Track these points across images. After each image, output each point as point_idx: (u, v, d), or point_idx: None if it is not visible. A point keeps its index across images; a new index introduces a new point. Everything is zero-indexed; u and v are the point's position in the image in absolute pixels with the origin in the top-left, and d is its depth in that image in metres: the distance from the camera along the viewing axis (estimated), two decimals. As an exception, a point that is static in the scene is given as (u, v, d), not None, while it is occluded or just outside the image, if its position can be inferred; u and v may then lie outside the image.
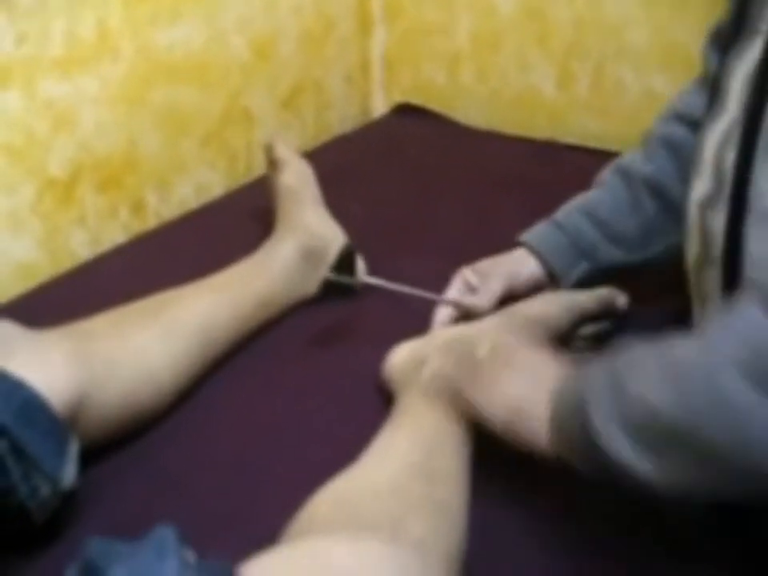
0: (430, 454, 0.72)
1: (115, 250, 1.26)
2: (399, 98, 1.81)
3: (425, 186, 1.46)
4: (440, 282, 1.02)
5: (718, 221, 0.68)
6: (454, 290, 0.98)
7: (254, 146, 1.50)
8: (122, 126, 1.27)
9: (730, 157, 0.68)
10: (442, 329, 0.96)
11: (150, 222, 1.34)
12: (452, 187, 1.45)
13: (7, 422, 0.66)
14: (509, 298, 0.98)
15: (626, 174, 0.99)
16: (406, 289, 1.04)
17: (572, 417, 0.64)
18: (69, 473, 0.72)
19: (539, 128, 1.65)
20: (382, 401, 0.90)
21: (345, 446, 0.76)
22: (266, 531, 0.66)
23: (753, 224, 0.65)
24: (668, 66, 1.50)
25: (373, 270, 1.11)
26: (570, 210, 1.01)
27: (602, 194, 1.01)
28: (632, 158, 1.01)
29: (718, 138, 0.72)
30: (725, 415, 0.54)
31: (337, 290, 1.08)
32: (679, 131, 0.96)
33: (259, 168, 1.44)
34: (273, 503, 0.77)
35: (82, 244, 1.24)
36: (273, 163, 1.15)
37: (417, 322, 0.98)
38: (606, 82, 1.58)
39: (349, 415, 0.90)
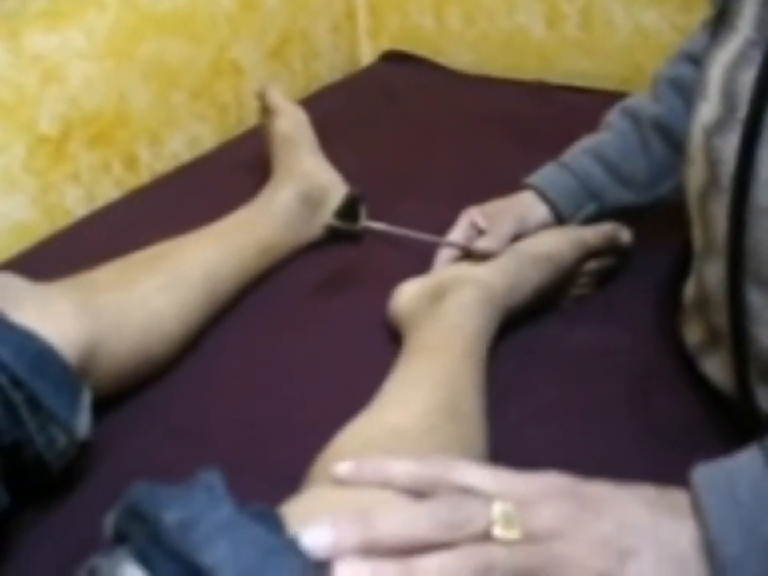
0: (452, 392, 0.71)
1: (110, 206, 1.25)
2: (387, 44, 1.79)
3: (416, 131, 1.45)
4: (438, 225, 1.01)
5: (729, 145, 0.67)
6: (460, 231, 0.97)
7: (243, 97, 1.49)
8: (110, 80, 1.25)
9: (744, 78, 0.67)
10: (445, 267, 0.96)
11: (144, 176, 1.33)
12: (444, 131, 1.44)
13: (21, 374, 0.66)
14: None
15: (633, 116, 0.98)
16: (411, 233, 1.04)
17: None
18: (83, 423, 0.71)
19: (529, 69, 1.64)
20: (389, 341, 0.89)
21: (354, 388, 0.76)
22: (285, 474, 0.66)
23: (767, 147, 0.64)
24: (658, 0, 1.49)
25: (369, 215, 1.10)
26: (578, 153, 1.00)
27: (609, 135, 1.00)
28: (639, 99, 1.00)
29: (728, 59, 0.70)
30: None
31: (341, 235, 1.08)
32: (688, 72, 0.95)
33: (250, 119, 1.43)
34: (288, 448, 0.77)
35: (77, 201, 1.23)
36: (266, 111, 1.14)
37: (421, 264, 0.98)
38: (595, 20, 1.56)
39: (358, 357, 0.90)
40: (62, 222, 1.20)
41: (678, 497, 0.50)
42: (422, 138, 1.43)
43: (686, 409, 0.81)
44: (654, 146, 0.96)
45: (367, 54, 1.82)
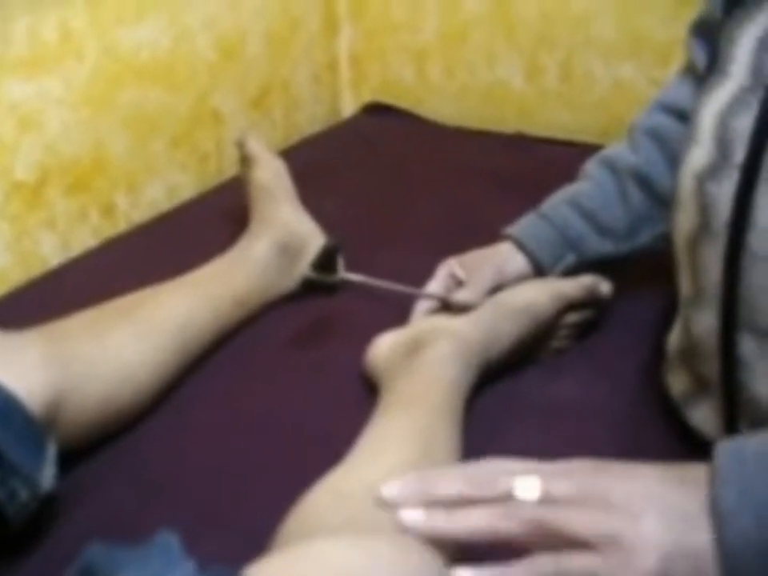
0: (427, 447, 0.70)
1: (86, 254, 1.23)
2: (368, 96, 1.80)
3: (396, 183, 1.45)
4: (416, 275, 1.00)
5: (723, 191, 0.67)
6: (439, 282, 0.96)
7: (223, 146, 1.48)
8: (89, 128, 1.24)
9: (740, 124, 0.67)
10: (422, 319, 0.95)
11: (121, 225, 1.32)
12: (424, 183, 1.44)
13: (-18, 425, 0.64)
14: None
15: (611, 166, 0.98)
16: (388, 285, 1.03)
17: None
18: (47, 476, 0.69)
19: (509, 122, 1.65)
20: (366, 395, 0.88)
21: (330, 442, 0.75)
22: (256, 530, 0.64)
23: (765, 193, 0.64)
24: (636, 55, 1.51)
25: (348, 266, 1.10)
26: (556, 202, 1.00)
27: (588, 185, 1.00)
28: (617, 149, 1.00)
29: (721, 105, 0.71)
30: None
31: (317, 287, 1.07)
32: (665, 122, 0.95)
33: (230, 169, 1.43)
34: (260, 502, 0.76)
35: (52, 248, 1.22)
36: (245, 160, 1.13)
37: (398, 316, 0.97)
38: (574, 74, 1.58)
39: (333, 410, 0.88)
40: (36, 269, 1.18)
41: (692, 471, 0.54)
42: (403, 189, 1.42)
43: (669, 460, 0.79)
44: (632, 196, 0.96)
45: (348, 106, 1.83)
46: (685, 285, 0.76)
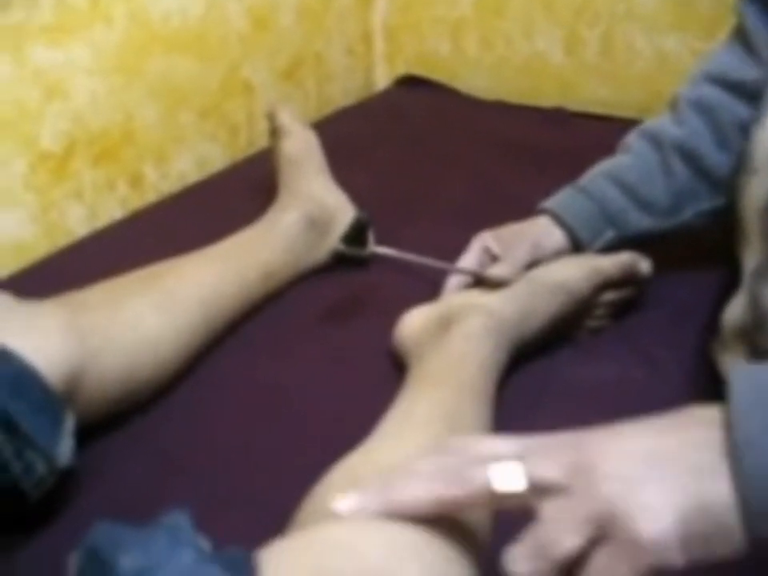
0: (450, 429, 0.67)
1: (113, 225, 1.21)
2: (402, 69, 1.77)
3: (430, 156, 1.43)
4: (449, 250, 0.97)
5: None
6: (473, 257, 0.93)
7: (255, 118, 1.46)
8: (117, 97, 1.22)
9: None
10: (454, 294, 0.92)
11: (149, 196, 1.30)
12: (458, 157, 1.42)
13: (-2, 396, 0.62)
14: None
15: (654, 139, 0.95)
16: (420, 259, 1.00)
17: None
18: (65, 449, 0.67)
19: (547, 96, 1.61)
20: (394, 372, 0.86)
21: (356, 421, 0.72)
22: (275, 510, 0.63)
23: None
24: (679, 26, 1.47)
25: (379, 240, 1.07)
26: (596, 176, 0.97)
27: (628, 158, 0.96)
28: (660, 121, 0.96)
29: None
30: None
31: (347, 261, 1.05)
32: (712, 93, 0.92)
33: (261, 140, 1.41)
34: (281, 481, 0.74)
35: (79, 219, 1.20)
36: (275, 132, 1.10)
37: (430, 291, 0.94)
38: (615, 46, 1.54)
39: (362, 387, 0.86)
40: (62, 240, 1.16)
41: (695, 415, 0.49)
42: (437, 163, 1.40)
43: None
44: (676, 170, 0.93)
45: (382, 78, 1.80)
46: (754, 256, 0.72)
